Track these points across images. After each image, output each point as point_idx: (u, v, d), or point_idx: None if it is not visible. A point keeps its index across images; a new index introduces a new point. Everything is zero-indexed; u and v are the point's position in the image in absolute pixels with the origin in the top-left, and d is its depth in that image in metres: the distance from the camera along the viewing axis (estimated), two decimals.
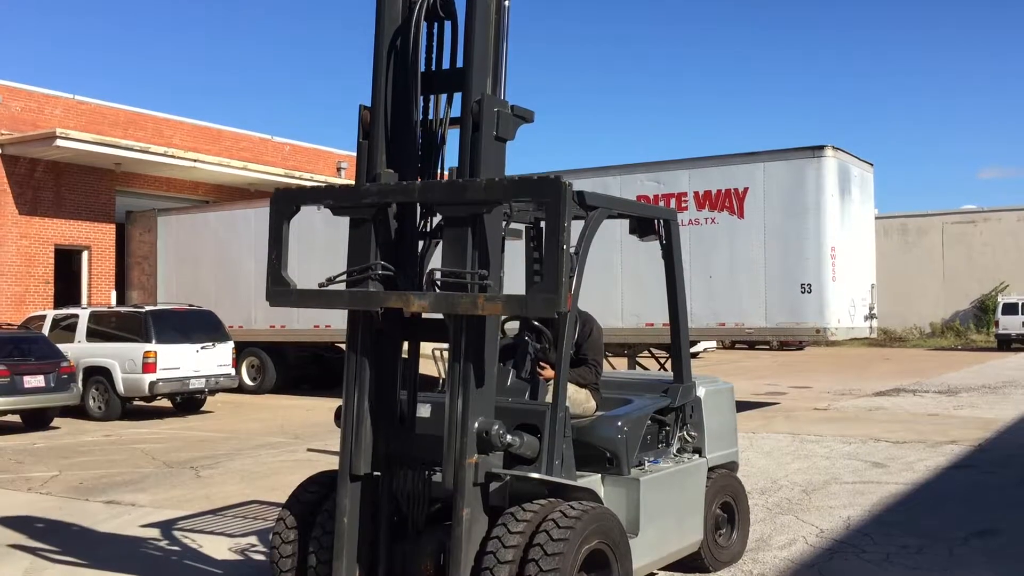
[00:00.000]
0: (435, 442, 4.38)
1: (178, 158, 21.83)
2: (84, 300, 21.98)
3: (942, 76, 79.52)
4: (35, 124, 21.23)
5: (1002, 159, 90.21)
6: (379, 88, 4.58)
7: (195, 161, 22.15)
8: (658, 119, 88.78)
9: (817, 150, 14.61)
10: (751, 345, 34.99)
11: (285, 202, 4.59)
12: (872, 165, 16.53)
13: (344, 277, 4.54)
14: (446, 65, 4.71)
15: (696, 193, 15.31)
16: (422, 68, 4.62)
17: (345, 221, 4.63)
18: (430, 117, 4.72)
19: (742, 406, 14.80)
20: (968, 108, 79.90)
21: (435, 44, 4.73)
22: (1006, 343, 33.77)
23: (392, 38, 4.60)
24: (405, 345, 4.81)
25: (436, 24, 4.70)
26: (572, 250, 4.92)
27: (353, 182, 4.69)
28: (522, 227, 5.97)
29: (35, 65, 66.88)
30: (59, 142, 19.41)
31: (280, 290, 4.56)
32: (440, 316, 4.42)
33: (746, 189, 14.90)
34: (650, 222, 5.71)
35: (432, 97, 4.71)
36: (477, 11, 4.35)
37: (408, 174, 4.59)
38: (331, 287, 4.55)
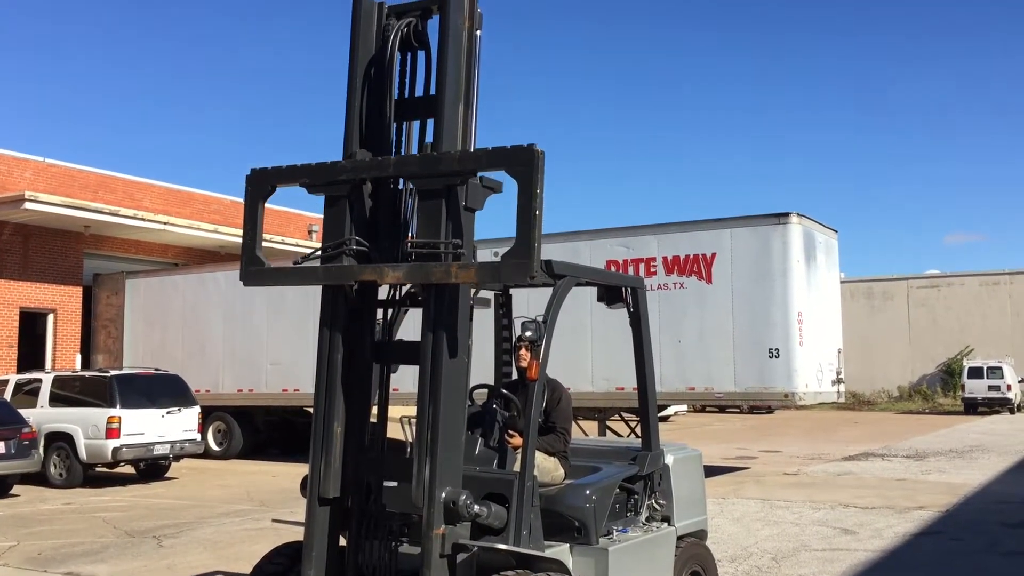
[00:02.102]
0: (402, 514, 4.34)
1: (148, 221, 21.79)
2: (48, 364, 21.66)
3: (910, 142, 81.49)
4: (4, 187, 21.13)
5: (968, 225, 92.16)
6: (352, 118, 4.65)
7: (165, 224, 22.12)
8: (628, 184, 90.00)
9: (782, 217, 14.87)
10: (721, 408, 35.06)
11: (260, 182, 4.59)
12: (836, 232, 16.84)
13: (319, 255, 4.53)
14: (419, 92, 4.79)
15: (665, 258, 15.48)
16: (395, 96, 4.71)
17: (315, 290, 4.64)
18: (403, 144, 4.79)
19: (713, 470, 14.80)
20: (936, 174, 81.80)
21: (408, 73, 4.81)
22: (972, 407, 34.11)
23: (366, 68, 4.69)
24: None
25: (409, 54, 4.80)
26: (540, 318, 4.98)
27: (320, 245, 4.72)
28: (491, 295, 6.00)
29: (5, 129, 66.81)
30: (28, 205, 19.33)
31: (254, 270, 4.56)
32: (416, 339, 4.43)
33: (714, 255, 15.08)
34: (618, 290, 5.77)
35: (405, 124, 4.79)
36: (450, 41, 4.45)
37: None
38: (305, 264, 4.54)
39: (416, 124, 4.80)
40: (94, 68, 71.36)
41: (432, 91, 4.64)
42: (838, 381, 16.30)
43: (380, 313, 4.77)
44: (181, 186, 26.17)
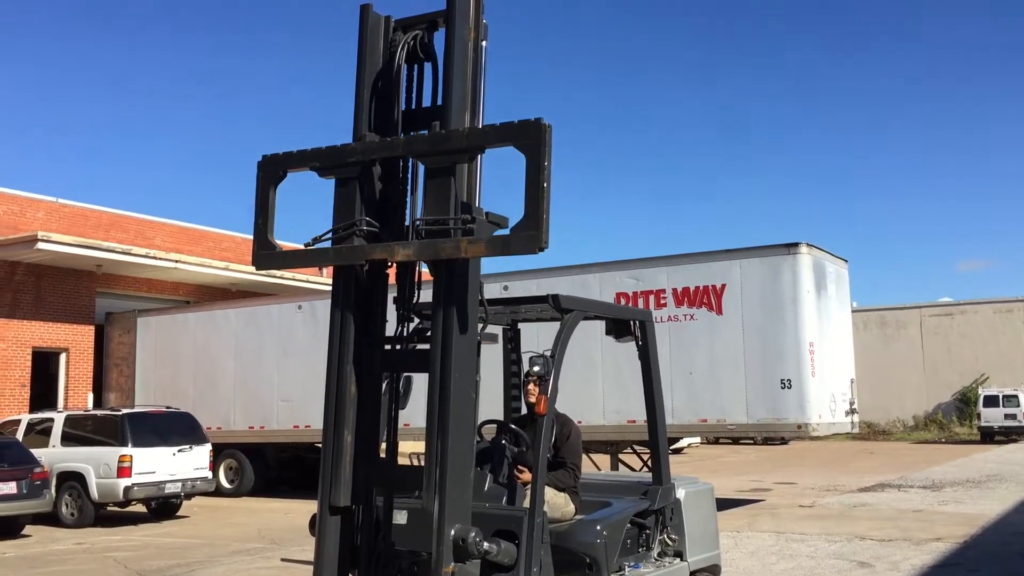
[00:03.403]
0: (411, 552, 4.31)
1: (160, 259, 21.90)
2: (60, 403, 21.69)
3: (922, 168, 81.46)
4: (17, 227, 21.31)
5: (980, 252, 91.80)
6: (360, 130, 4.69)
7: (177, 262, 22.22)
8: (637, 215, 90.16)
9: (792, 247, 14.85)
10: (735, 440, 34.81)
11: (271, 168, 4.61)
12: (847, 261, 16.80)
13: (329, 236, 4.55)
14: (427, 103, 4.84)
15: (675, 290, 15.45)
16: (403, 107, 4.75)
17: (325, 326, 4.66)
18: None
19: (727, 503, 14.67)
20: (948, 201, 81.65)
21: (415, 84, 4.87)
22: (989, 436, 33.78)
23: (373, 81, 4.74)
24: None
25: (416, 65, 4.85)
26: (548, 353, 4.97)
27: (331, 283, 4.74)
28: (499, 330, 6.00)
29: (19, 170, 67.57)
30: (40, 245, 19.45)
31: (266, 253, 4.59)
32: (425, 347, 4.42)
33: (723, 286, 15.06)
34: (626, 323, 5.77)
35: (412, 134, 4.82)
36: (455, 52, 4.48)
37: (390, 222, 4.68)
38: (316, 246, 4.55)
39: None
40: (106, 110, 72.24)
41: (439, 102, 4.69)
42: (852, 411, 16.18)
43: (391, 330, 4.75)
44: (192, 224, 26.36)
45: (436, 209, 4.29)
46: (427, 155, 4.37)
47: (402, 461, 5.08)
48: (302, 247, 4.61)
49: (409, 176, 4.74)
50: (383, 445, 4.72)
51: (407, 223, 4.65)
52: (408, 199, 4.71)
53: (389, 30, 4.81)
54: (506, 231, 4.19)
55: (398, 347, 4.70)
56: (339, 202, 4.58)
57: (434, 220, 4.26)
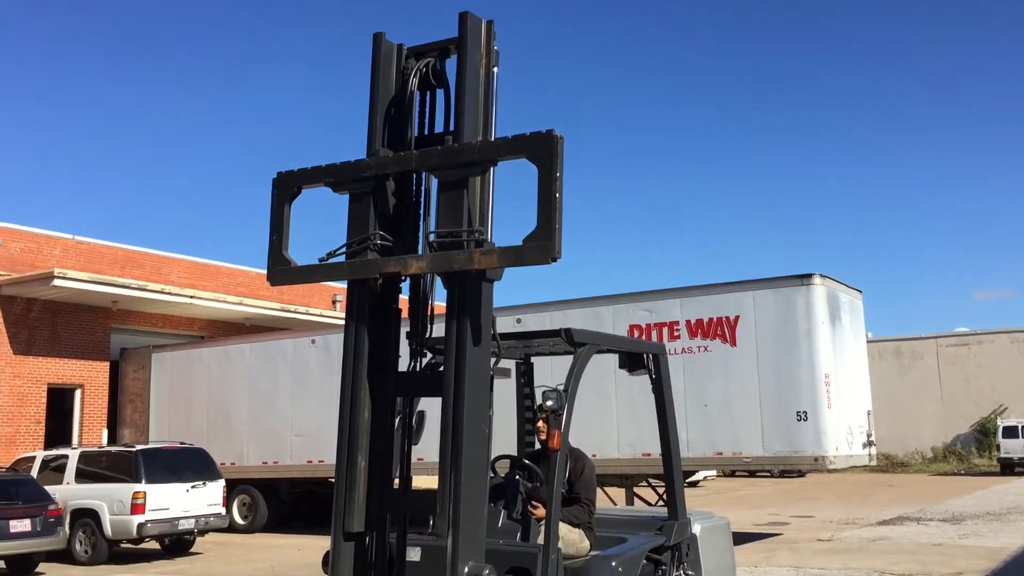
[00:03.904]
0: None
1: (174, 295, 22.00)
2: (75, 439, 21.73)
3: (937, 199, 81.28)
4: (34, 264, 21.48)
5: (997, 281, 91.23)
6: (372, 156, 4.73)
7: (191, 297, 22.32)
8: (650, 247, 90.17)
9: (805, 278, 14.80)
10: (751, 473, 34.49)
11: (286, 184, 4.66)
12: (861, 292, 16.73)
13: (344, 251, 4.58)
14: (439, 129, 4.88)
15: (688, 322, 15.41)
16: (415, 133, 4.79)
17: (339, 361, 4.67)
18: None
19: (744, 537, 14.51)
20: (964, 230, 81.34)
21: (428, 110, 4.91)
22: (1009, 467, 33.35)
23: (386, 108, 4.78)
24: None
25: (428, 92, 4.90)
26: (561, 387, 4.96)
27: (344, 316, 4.75)
28: (512, 364, 5.99)
29: (37, 207, 68.27)
30: (56, 282, 19.59)
31: (281, 269, 4.62)
32: (439, 369, 4.41)
33: (737, 317, 15.01)
34: (639, 357, 5.75)
35: (424, 189, 4.85)
36: (467, 79, 4.53)
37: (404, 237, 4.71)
38: (331, 260, 4.57)
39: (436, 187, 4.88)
40: (121, 148, 72.98)
41: (451, 127, 4.73)
42: (869, 443, 16.02)
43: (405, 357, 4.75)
44: (207, 259, 26.52)
45: (449, 222, 4.32)
46: (440, 168, 4.41)
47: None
48: (316, 262, 4.64)
49: (423, 190, 4.79)
50: (396, 480, 4.70)
51: (420, 237, 4.69)
52: (421, 213, 4.76)
53: (402, 58, 4.87)
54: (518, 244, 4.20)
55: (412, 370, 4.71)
56: (353, 217, 4.62)
57: (447, 233, 4.29)
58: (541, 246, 3.95)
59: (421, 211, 4.75)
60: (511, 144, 4.18)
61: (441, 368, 4.40)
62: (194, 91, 72.48)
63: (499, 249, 4.17)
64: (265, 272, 4.80)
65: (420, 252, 4.55)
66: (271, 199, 4.70)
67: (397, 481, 4.68)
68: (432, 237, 4.35)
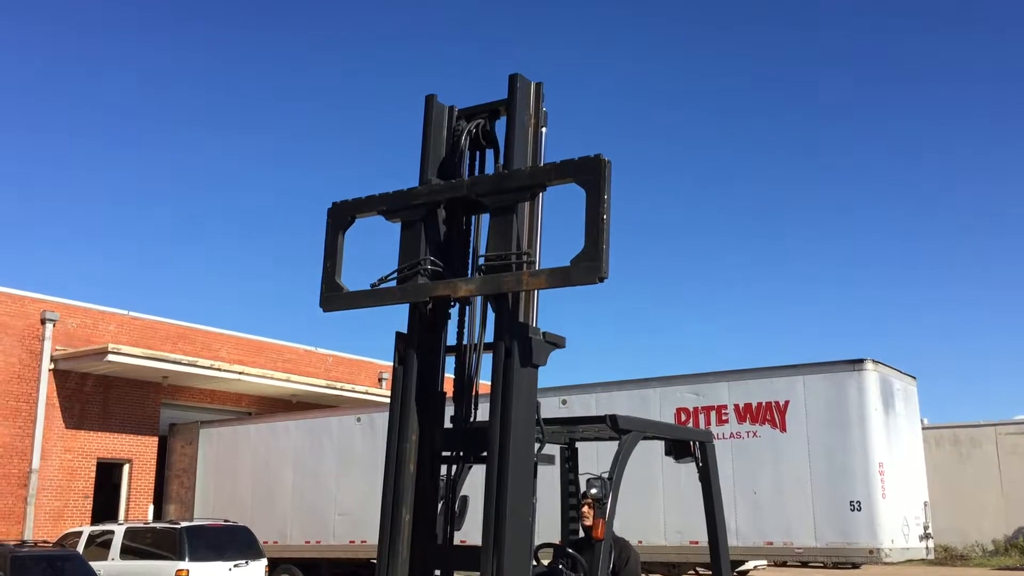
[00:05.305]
0: None
1: (223, 371, 22.27)
2: (122, 514, 21.84)
3: (991, 277, 79.78)
4: (89, 339, 21.92)
5: None
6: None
7: (240, 374, 22.57)
8: (696, 330, 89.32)
9: (857, 363, 14.52)
10: (804, 563, 33.36)
11: (341, 214, 4.77)
12: (915, 378, 16.36)
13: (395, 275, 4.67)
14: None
15: (736, 406, 15.16)
16: (465, 192, 4.86)
17: (383, 434, 4.71)
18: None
19: None
20: (1020, 312, 79.51)
21: (477, 169, 5.02)
22: None
23: (438, 167, 4.89)
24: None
25: (478, 152, 5.01)
26: (606, 475, 4.89)
27: (389, 395, 4.79)
28: (556, 451, 5.93)
29: (93, 283, 69.94)
30: (111, 357, 19.95)
31: (333, 295, 4.73)
32: (483, 427, 4.41)
33: (787, 402, 14.73)
34: (685, 444, 5.67)
35: (474, 218, 4.97)
36: (516, 139, 4.63)
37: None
38: (382, 286, 4.65)
39: (486, 217, 4.97)
40: (175, 226, 74.84)
41: None
42: (926, 536, 15.47)
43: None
44: (255, 336, 26.86)
45: (498, 246, 4.40)
46: (490, 194, 4.50)
47: None
48: (368, 288, 4.74)
49: (473, 218, 4.88)
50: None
51: (470, 263, 4.80)
52: (471, 239, 4.84)
53: (453, 119, 5.01)
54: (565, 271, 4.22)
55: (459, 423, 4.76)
56: (404, 244, 4.72)
57: (496, 256, 4.36)
58: (588, 266, 4.03)
59: (471, 238, 4.86)
60: (559, 169, 4.27)
61: (485, 453, 4.38)
62: (238, 161, 74.39)
63: (547, 271, 4.24)
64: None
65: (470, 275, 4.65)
66: (326, 228, 4.84)
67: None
68: (481, 261, 4.45)
